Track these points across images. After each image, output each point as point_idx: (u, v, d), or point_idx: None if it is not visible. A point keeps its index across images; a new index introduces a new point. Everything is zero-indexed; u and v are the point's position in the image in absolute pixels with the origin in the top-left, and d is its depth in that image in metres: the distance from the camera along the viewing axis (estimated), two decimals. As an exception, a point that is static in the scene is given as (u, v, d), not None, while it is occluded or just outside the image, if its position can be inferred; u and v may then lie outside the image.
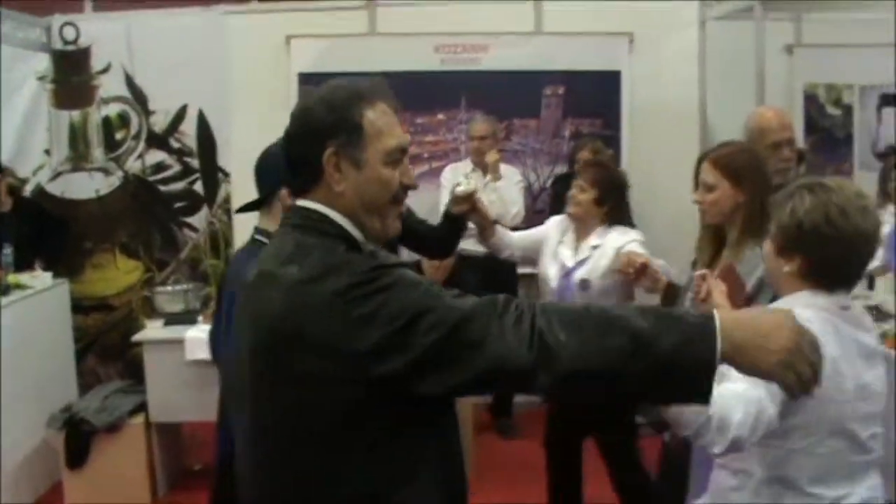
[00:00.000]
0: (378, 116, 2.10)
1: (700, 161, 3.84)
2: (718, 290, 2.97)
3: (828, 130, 8.36)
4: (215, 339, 3.93)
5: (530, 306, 1.91)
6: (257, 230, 3.65)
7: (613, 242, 4.72)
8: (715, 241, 3.81)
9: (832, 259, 2.66)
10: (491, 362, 1.87)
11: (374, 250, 2.17)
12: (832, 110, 8.38)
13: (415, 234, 4.32)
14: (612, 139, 7.55)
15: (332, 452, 2.00)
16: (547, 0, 7.81)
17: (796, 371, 1.82)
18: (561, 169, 7.54)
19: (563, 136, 7.68)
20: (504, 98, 7.55)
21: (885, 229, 7.00)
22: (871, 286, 6.57)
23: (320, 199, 2.11)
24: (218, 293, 4.93)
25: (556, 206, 7.17)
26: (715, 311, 1.87)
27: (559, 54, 7.67)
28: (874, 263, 6.86)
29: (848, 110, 8.40)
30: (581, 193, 4.83)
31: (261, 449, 2.09)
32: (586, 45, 7.74)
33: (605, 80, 7.71)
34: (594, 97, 7.72)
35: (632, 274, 4.07)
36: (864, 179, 8.04)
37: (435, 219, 4.82)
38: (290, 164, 2.17)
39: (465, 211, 4.42)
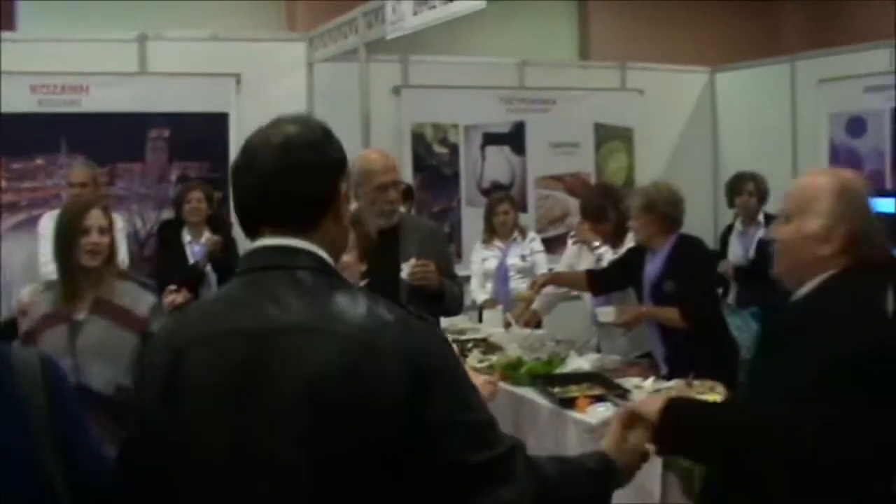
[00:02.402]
0: None
1: None
2: None
3: (435, 168, 8.80)
4: None
5: (537, 461, 2.05)
6: None
7: None
8: None
9: None
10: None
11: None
12: (439, 149, 8.83)
13: None
14: (220, 182, 7.52)
15: None
16: (151, 40, 7.78)
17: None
18: (168, 214, 7.45)
19: (169, 180, 7.63)
20: (107, 141, 7.36)
21: (493, 263, 7.44)
22: (480, 319, 6.92)
23: (314, 241, 1.99)
24: None
25: (163, 252, 7.10)
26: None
27: (164, 96, 7.63)
28: (483, 296, 7.31)
29: (454, 149, 8.88)
30: None
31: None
32: (192, 87, 7.76)
33: (212, 121, 7.75)
34: (201, 140, 7.72)
35: None
36: (471, 215, 8.52)
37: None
38: (283, 199, 1.98)
39: None
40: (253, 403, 1.88)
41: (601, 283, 5.89)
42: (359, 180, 4.73)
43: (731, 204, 7.65)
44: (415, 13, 6.18)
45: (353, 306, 1.93)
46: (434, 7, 5.93)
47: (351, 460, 1.85)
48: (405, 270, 4.58)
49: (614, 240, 6.26)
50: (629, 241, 5.95)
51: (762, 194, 7.52)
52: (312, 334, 1.89)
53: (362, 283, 3.39)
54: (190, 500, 1.94)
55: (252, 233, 2.03)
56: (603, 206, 6.24)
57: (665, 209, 5.36)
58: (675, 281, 5.29)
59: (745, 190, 7.42)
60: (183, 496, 1.95)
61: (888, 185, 8.27)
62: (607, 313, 5.65)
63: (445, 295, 4.74)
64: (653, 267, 5.45)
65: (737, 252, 7.54)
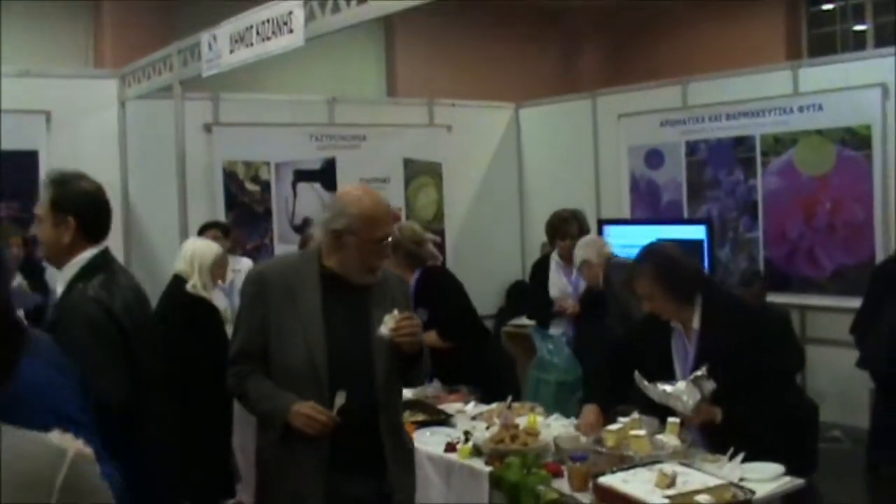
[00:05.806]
0: None
1: None
2: None
3: (248, 206, 9.13)
4: None
5: None
6: None
7: None
8: None
9: None
10: None
11: None
12: (251, 186, 9.17)
13: None
14: (29, 222, 7.54)
15: None
16: (-43, 76, 7.75)
17: None
18: (-23, 256, 7.44)
19: (-21, 220, 7.63)
20: None
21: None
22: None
23: None
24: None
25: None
26: None
27: (-29, 133, 7.57)
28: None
29: (266, 186, 9.24)
30: None
31: None
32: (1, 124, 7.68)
33: (21, 160, 7.82)
34: (11, 179, 7.73)
35: None
36: (284, 251, 8.87)
37: None
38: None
39: None
40: None
41: None
42: (353, 227, 3.82)
43: (552, 243, 7.76)
44: (231, 51, 6.34)
45: None
46: (251, 45, 6.11)
47: None
48: (387, 324, 3.69)
49: None
50: None
51: (584, 233, 7.56)
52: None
53: None
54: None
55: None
56: None
57: (409, 247, 6.20)
58: (426, 308, 6.03)
59: (568, 233, 7.49)
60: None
61: (685, 213, 9.02)
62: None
63: (422, 359, 3.90)
64: None
65: (562, 286, 7.65)
